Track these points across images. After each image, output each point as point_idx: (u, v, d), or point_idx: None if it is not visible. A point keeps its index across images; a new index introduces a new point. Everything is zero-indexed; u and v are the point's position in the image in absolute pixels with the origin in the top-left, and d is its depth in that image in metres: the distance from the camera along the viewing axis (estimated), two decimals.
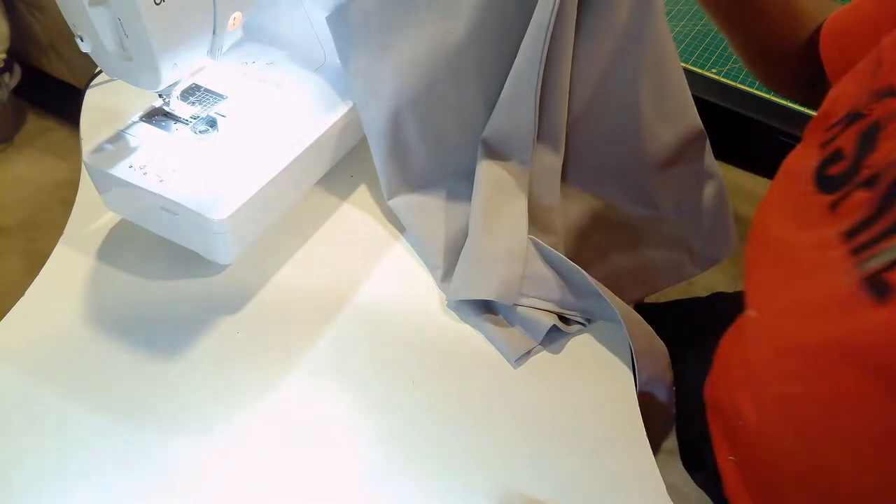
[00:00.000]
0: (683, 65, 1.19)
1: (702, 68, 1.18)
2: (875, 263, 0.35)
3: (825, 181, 0.42)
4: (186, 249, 0.59)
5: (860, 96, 0.43)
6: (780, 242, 0.45)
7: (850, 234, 0.38)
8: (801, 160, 0.46)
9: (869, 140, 0.40)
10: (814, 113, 0.49)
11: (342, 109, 0.67)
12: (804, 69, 0.59)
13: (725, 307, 0.69)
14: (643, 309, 0.63)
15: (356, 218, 0.68)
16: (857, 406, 0.36)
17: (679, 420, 0.59)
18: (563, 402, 0.55)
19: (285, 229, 0.65)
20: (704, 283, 1.64)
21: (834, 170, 0.42)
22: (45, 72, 1.67)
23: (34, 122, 1.81)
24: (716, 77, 1.17)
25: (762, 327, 0.45)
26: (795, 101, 0.86)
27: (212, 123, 0.61)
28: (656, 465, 0.51)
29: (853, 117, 0.42)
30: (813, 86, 0.60)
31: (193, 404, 0.51)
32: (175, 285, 0.59)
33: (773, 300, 0.45)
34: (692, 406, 0.58)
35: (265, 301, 0.59)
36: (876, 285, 0.35)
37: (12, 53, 1.60)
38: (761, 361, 0.45)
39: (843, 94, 0.46)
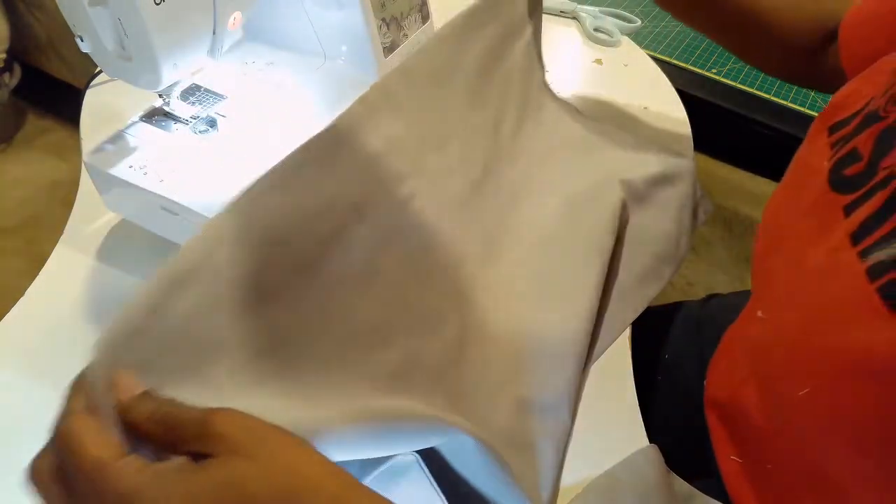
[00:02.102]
0: (683, 64, 1.19)
1: (702, 68, 1.18)
2: (877, 257, 0.35)
3: (841, 182, 0.41)
4: None
5: (877, 97, 0.43)
6: (791, 243, 0.45)
7: (856, 235, 0.38)
8: (814, 158, 0.46)
9: (886, 142, 0.39)
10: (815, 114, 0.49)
11: (342, 109, 0.66)
12: (825, 64, 0.59)
13: (721, 309, 0.69)
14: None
15: None
16: (865, 411, 0.36)
17: (678, 423, 0.59)
18: None
19: None
20: (705, 283, 1.64)
21: (849, 171, 0.41)
22: (45, 72, 1.67)
23: (34, 122, 1.81)
24: (716, 77, 1.17)
25: (770, 328, 0.44)
26: (817, 90, 0.84)
27: (212, 123, 0.61)
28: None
29: (870, 119, 0.41)
30: (836, 76, 0.59)
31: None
32: None
33: (783, 302, 0.44)
34: (691, 409, 0.58)
35: None
36: (891, 296, 0.34)
37: (12, 53, 1.60)
38: (770, 362, 0.44)
39: (859, 89, 0.46)
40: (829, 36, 0.58)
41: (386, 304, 0.45)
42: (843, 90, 0.47)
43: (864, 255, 0.37)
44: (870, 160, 0.40)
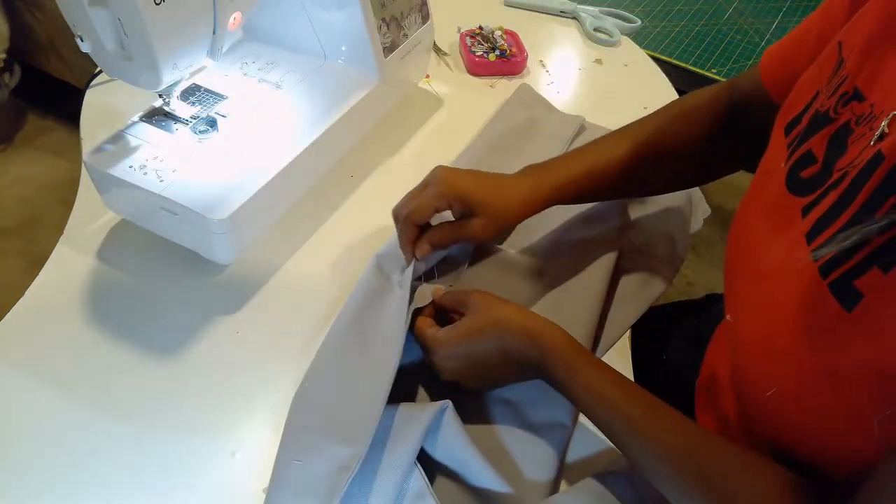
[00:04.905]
0: (683, 64, 1.19)
1: (702, 68, 1.18)
2: (827, 253, 0.35)
3: (797, 184, 0.42)
4: (186, 249, 0.59)
5: (823, 88, 0.43)
6: (752, 245, 0.45)
7: (810, 235, 0.39)
8: (774, 159, 0.46)
9: (839, 143, 0.40)
10: None
11: (342, 109, 0.67)
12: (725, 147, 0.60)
13: (720, 309, 0.69)
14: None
15: (356, 217, 0.68)
16: (828, 407, 0.36)
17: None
18: None
19: (285, 229, 0.65)
20: (705, 283, 1.64)
21: (806, 173, 0.42)
22: (45, 72, 1.67)
23: (34, 122, 1.81)
24: (716, 77, 1.17)
25: (738, 331, 0.45)
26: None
27: (212, 123, 0.61)
28: None
29: (822, 120, 0.42)
30: (742, 155, 0.60)
31: (193, 403, 0.51)
32: (175, 285, 0.59)
33: (744, 305, 0.44)
34: (691, 408, 0.58)
35: (265, 300, 0.59)
36: (841, 293, 0.34)
37: (12, 53, 1.60)
38: (739, 365, 0.45)
39: (805, 81, 0.46)
40: (732, 112, 0.58)
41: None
42: (797, 84, 0.48)
43: (816, 253, 0.37)
44: (825, 162, 0.40)
